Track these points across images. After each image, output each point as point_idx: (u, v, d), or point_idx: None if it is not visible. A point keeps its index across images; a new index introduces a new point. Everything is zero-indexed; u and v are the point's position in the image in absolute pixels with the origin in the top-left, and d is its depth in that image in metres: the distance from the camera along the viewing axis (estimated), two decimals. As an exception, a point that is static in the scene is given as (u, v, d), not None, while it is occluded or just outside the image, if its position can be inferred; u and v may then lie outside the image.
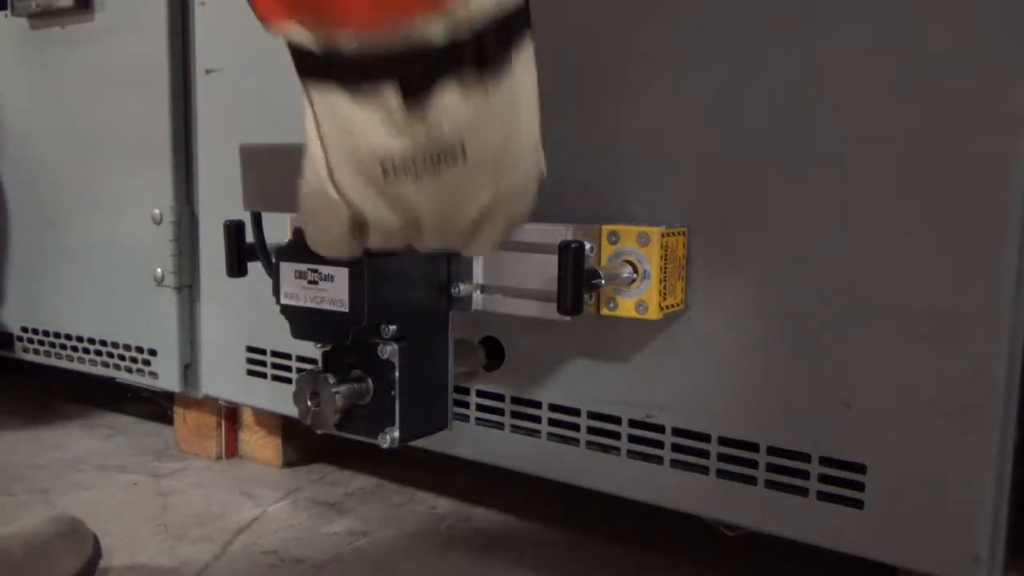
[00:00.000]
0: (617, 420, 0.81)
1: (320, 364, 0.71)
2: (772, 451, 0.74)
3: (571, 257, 0.66)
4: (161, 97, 1.12)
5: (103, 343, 1.23)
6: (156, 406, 1.34)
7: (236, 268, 0.75)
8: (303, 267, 0.66)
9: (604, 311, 0.73)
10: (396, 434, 0.68)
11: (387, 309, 0.67)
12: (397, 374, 0.67)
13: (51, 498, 1.06)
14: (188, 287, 1.15)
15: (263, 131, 1.04)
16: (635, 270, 0.71)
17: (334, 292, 0.65)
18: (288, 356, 1.04)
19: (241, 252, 0.74)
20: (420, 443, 0.75)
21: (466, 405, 0.90)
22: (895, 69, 0.66)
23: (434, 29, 0.41)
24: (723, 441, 0.76)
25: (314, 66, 0.45)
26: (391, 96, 0.44)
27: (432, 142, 0.45)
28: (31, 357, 1.33)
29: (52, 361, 1.30)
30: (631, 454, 0.81)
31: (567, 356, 0.83)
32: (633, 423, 0.80)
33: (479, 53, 0.43)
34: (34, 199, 1.30)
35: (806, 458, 0.72)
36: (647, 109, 0.77)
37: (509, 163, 0.48)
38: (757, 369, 0.74)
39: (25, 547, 0.78)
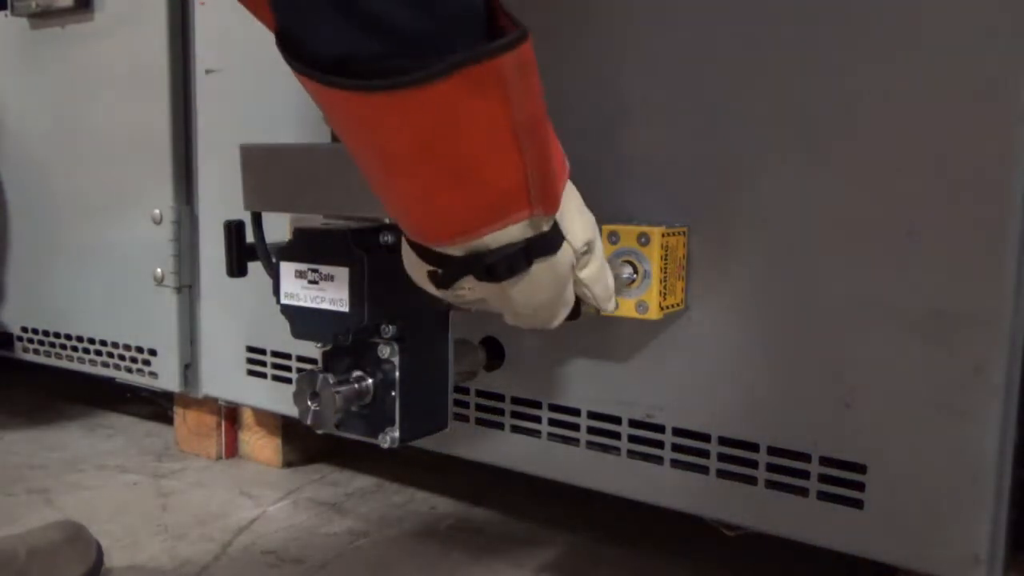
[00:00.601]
0: (617, 420, 0.81)
1: (320, 364, 0.71)
2: (772, 451, 0.74)
3: None
4: (161, 97, 1.12)
5: (103, 343, 1.23)
6: (156, 406, 1.34)
7: (236, 268, 0.75)
8: (303, 267, 0.66)
9: (605, 312, 0.73)
10: (396, 434, 0.68)
11: (387, 309, 0.67)
12: (397, 374, 0.67)
13: (51, 498, 1.06)
14: (188, 287, 1.15)
15: (263, 131, 1.04)
16: (635, 270, 0.71)
17: (334, 292, 0.65)
18: (288, 356, 1.04)
19: (241, 252, 0.74)
20: (420, 443, 0.75)
21: (466, 405, 0.90)
22: (895, 69, 0.66)
23: (454, 250, 0.55)
24: (723, 441, 0.76)
25: None
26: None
27: (459, 299, 0.60)
28: (31, 357, 1.33)
29: (52, 361, 1.30)
30: (631, 454, 0.81)
31: (567, 356, 0.83)
32: (633, 423, 0.80)
33: (490, 269, 0.56)
34: (34, 199, 1.30)
35: (806, 458, 0.72)
36: (647, 109, 0.77)
37: (538, 313, 0.62)
38: (757, 369, 0.74)
39: (29, 552, 0.78)
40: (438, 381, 0.73)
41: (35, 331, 1.32)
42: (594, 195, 0.80)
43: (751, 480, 0.75)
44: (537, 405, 0.86)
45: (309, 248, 0.66)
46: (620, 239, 0.72)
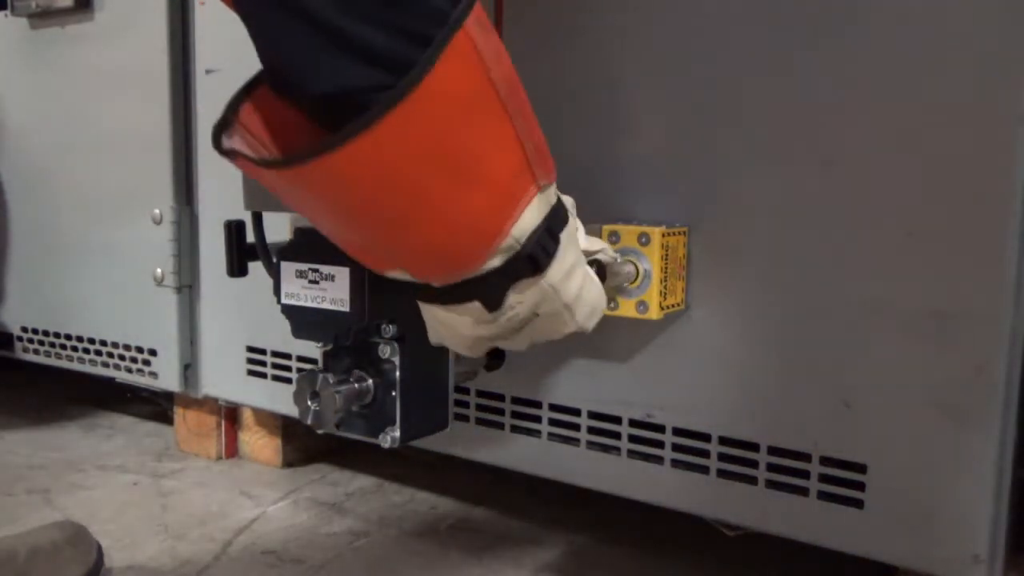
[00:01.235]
0: (617, 420, 0.81)
1: (320, 364, 0.71)
2: (772, 451, 0.74)
3: None
4: (161, 97, 1.12)
5: (103, 343, 1.23)
6: (156, 406, 1.34)
7: (236, 268, 0.75)
8: (304, 267, 0.66)
9: (605, 311, 0.73)
10: (396, 434, 0.68)
11: (388, 309, 0.67)
12: (398, 374, 0.67)
13: (51, 498, 1.06)
14: (188, 287, 1.15)
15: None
16: (636, 270, 0.71)
17: (335, 292, 0.65)
18: (288, 356, 1.04)
19: (241, 252, 0.74)
20: (420, 443, 0.75)
21: (466, 405, 0.90)
22: (895, 69, 0.66)
23: (493, 262, 0.54)
24: (723, 441, 0.76)
25: (415, 289, 0.59)
26: (477, 306, 0.57)
27: (511, 322, 0.59)
28: (31, 357, 1.33)
29: (52, 361, 1.30)
30: (631, 454, 0.81)
31: (567, 356, 0.83)
32: (633, 423, 0.80)
33: (531, 258, 0.55)
34: (34, 199, 1.30)
35: (806, 458, 0.72)
36: (648, 109, 0.77)
37: (586, 295, 0.62)
38: (757, 369, 0.74)
39: (29, 552, 0.78)
40: (438, 381, 0.73)
41: (35, 331, 1.32)
42: (595, 195, 0.80)
43: (751, 480, 0.75)
44: (537, 405, 0.86)
45: (310, 248, 0.66)
46: (621, 239, 0.72)
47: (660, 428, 0.79)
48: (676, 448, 0.78)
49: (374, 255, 0.57)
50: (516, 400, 0.87)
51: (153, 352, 1.18)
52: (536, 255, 0.55)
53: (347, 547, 0.94)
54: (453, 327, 0.61)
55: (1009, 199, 0.63)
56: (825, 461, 0.72)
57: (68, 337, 1.27)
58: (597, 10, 0.79)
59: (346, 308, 0.64)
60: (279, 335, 1.04)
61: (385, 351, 0.67)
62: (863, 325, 0.69)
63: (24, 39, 1.28)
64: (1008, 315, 0.64)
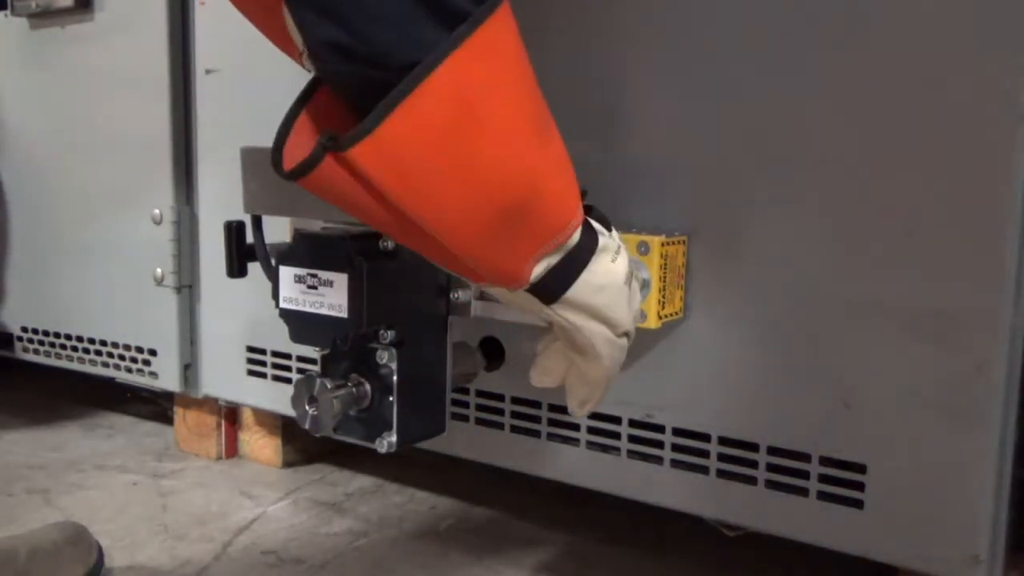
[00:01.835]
0: (617, 420, 0.81)
1: (319, 367, 0.72)
2: (772, 451, 0.74)
3: None
4: (161, 97, 1.12)
5: (103, 343, 1.23)
6: (156, 406, 1.34)
7: (236, 269, 0.75)
8: (302, 272, 0.66)
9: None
10: (393, 439, 0.68)
11: (386, 315, 0.67)
12: (395, 379, 0.67)
13: (51, 498, 1.06)
14: (188, 287, 1.15)
15: (263, 131, 1.03)
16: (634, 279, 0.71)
17: (333, 298, 0.65)
18: (288, 356, 1.04)
19: (241, 252, 0.74)
20: (420, 443, 0.75)
21: (466, 405, 0.90)
22: (895, 69, 0.66)
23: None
24: (723, 441, 0.76)
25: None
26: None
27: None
28: (31, 357, 1.33)
29: (52, 361, 1.30)
30: (631, 454, 0.81)
31: (567, 356, 0.83)
32: (633, 423, 0.80)
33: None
34: (34, 199, 1.30)
35: (806, 458, 0.72)
36: (647, 118, 0.77)
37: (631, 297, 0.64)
38: (757, 369, 0.74)
39: (30, 552, 0.78)
40: (436, 386, 0.73)
41: (35, 331, 1.32)
42: (594, 204, 0.80)
43: (751, 480, 0.75)
44: (537, 405, 0.86)
45: (308, 253, 0.66)
46: (620, 247, 0.71)
47: (660, 428, 0.79)
48: (676, 448, 0.78)
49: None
50: (516, 400, 0.87)
51: (153, 352, 1.18)
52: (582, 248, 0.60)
53: (347, 547, 0.94)
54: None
55: (1009, 199, 0.63)
56: (825, 461, 0.72)
57: (68, 337, 1.27)
58: (598, 13, 0.79)
59: (344, 314, 0.64)
60: (279, 335, 1.03)
61: (383, 356, 0.67)
62: (863, 325, 0.69)
63: (24, 39, 1.27)
64: (1008, 315, 0.64)
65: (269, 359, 1.07)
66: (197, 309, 1.15)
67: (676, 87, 0.76)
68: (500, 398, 0.88)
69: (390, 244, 0.66)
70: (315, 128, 0.56)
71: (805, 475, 0.72)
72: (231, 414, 1.19)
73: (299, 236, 0.68)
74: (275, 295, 0.69)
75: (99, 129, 1.20)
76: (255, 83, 1.04)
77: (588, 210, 0.61)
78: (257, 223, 0.72)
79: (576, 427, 0.84)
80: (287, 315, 0.68)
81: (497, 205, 0.53)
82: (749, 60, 0.72)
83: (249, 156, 0.70)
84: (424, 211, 0.51)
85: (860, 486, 0.70)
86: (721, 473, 0.76)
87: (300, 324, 0.67)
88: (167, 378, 1.17)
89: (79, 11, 1.19)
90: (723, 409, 0.76)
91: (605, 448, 0.82)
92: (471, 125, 0.50)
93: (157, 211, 1.14)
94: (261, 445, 1.18)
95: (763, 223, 0.73)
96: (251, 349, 1.08)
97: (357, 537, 0.96)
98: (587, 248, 0.59)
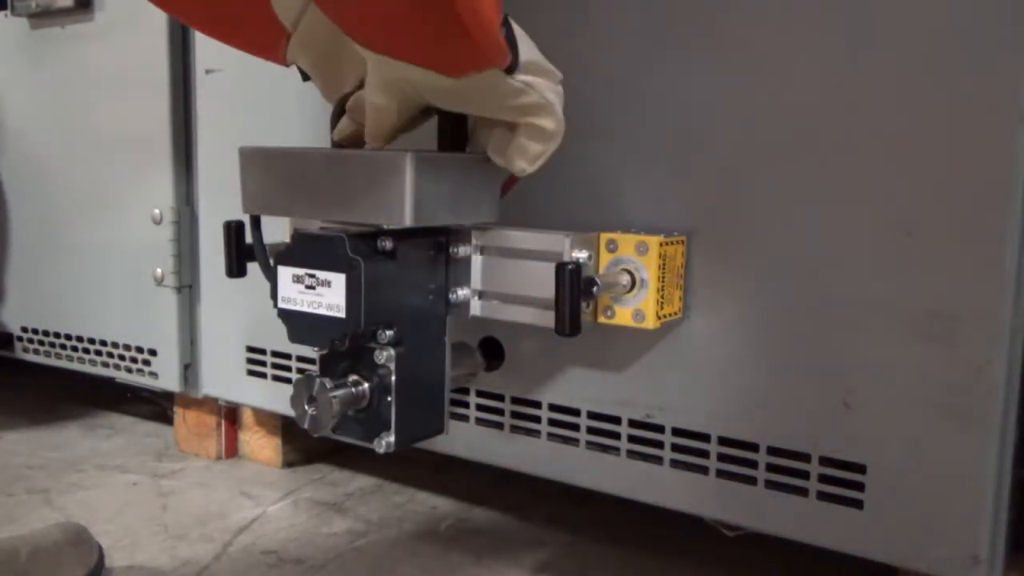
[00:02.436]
0: (617, 420, 0.81)
1: (318, 368, 0.71)
2: (772, 451, 0.74)
3: (568, 278, 0.65)
4: (161, 97, 1.12)
5: (103, 343, 1.23)
6: (156, 406, 1.34)
7: (236, 269, 0.75)
8: (301, 272, 0.66)
9: (601, 319, 0.72)
10: (392, 439, 0.68)
11: (384, 315, 0.67)
12: (394, 379, 0.67)
13: (51, 498, 1.06)
14: (188, 287, 1.15)
15: (263, 131, 1.04)
16: (633, 279, 0.71)
17: (331, 297, 0.65)
18: (288, 356, 1.04)
19: (241, 252, 0.74)
20: (420, 444, 0.75)
21: (466, 405, 0.90)
22: (895, 69, 0.66)
23: None
24: (723, 441, 0.76)
25: None
26: None
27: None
28: (31, 357, 1.33)
29: (52, 361, 1.30)
30: (631, 454, 0.81)
31: (567, 357, 0.83)
32: (633, 423, 0.80)
33: None
34: (34, 199, 1.30)
35: (806, 458, 0.72)
36: (646, 117, 0.77)
37: None
38: (757, 369, 0.74)
39: (30, 552, 0.78)
40: (435, 386, 0.73)
41: (35, 331, 1.32)
42: (593, 203, 0.80)
43: (751, 480, 0.75)
44: (537, 405, 0.86)
45: (306, 253, 0.66)
46: (619, 247, 0.71)
47: (660, 428, 0.79)
48: (675, 448, 0.78)
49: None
50: (516, 400, 0.87)
51: (153, 352, 1.18)
52: None
53: (347, 547, 0.94)
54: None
55: (1009, 199, 0.63)
56: (824, 461, 0.71)
57: (68, 337, 1.27)
58: (596, 12, 0.79)
59: (342, 314, 0.64)
60: (279, 335, 1.03)
61: (381, 356, 0.67)
62: (863, 325, 0.69)
63: (24, 39, 1.27)
64: (1008, 315, 0.64)
65: (269, 359, 1.07)
66: (197, 309, 1.15)
67: (676, 87, 0.76)
68: (500, 398, 0.88)
69: (388, 244, 0.66)
70: None
71: (805, 475, 0.72)
72: (231, 414, 1.20)
73: (297, 236, 0.68)
74: (273, 295, 0.69)
75: (99, 129, 1.20)
76: (255, 83, 1.04)
77: None
78: (256, 223, 0.72)
79: (576, 427, 0.84)
80: (285, 315, 0.68)
81: None
82: (749, 60, 0.72)
83: (249, 156, 0.70)
84: None
85: (860, 486, 0.70)
86: (721, 473, 0.76)
87: (298, 324, 0.68)
88: (167, 378, 1.17)
89: (79, 11, 1.19)
90: (723, 409, 0.76)
91: (605, 448, 0.82)
92: None
93: (157, 211, 1.14)
94: (261, 445, 1.18)
95: (763, 223, 0.72)
96: (251, 349, 1.08)
97: (357, 537, 0.96)
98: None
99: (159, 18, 1.11)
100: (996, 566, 0.67)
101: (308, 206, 0.68)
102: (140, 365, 1.19)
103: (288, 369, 1.05)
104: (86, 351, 1.25)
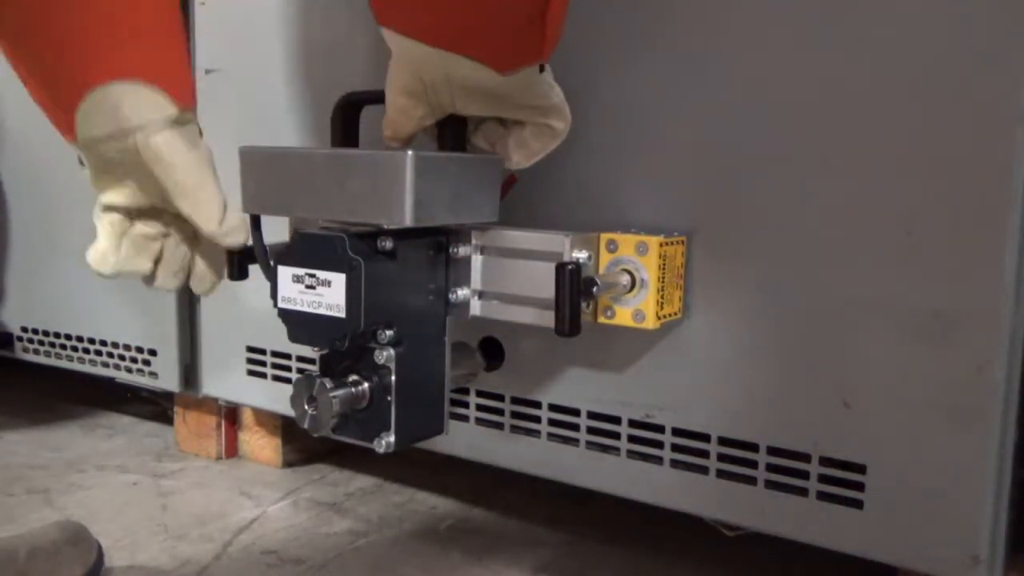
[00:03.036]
0: (617, 420, 0.81)
1: (318, 368, 0.71)
2: (772, 451, 0.74)
3: (568, 278, 0.65)
4: (160, 97, 1.12)
5: (103, 343, 1.23)
6: (156, 406, 1.34)
7: (236, 272, 0.75)
8: (301, 272, 0.66)
9: (601, 319, 0.72)
10: (391, 439, 0.68)
11: (384, 315, 0.67)
12: (393, 379, 0.67)
13: (51, 498, 1.06)
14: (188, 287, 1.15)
15: (263, 131, 1.04)
16: (633, 279, 0.71)
17: (331, 297, 0.65)
18: (288, 356, 1.04)
19: (242, 256, 0.74)
20: (420, 444, 0.75)
21: (466, 405, 0.90)
22: (895, 69, 0.66)
23: None
24: (723, 441, 0.76)
25: None
26: None
27: None
28: (31, 357, 1.33)
29: (52, 361, 1.30)
30: (631, 454, 0.81)
31: (567, 357, 0.83)
32: (633, 423, 0.80)
33: None
34: (35, 199, 1.30)
35: (806, 458, 0.72)
36: (646, 117, 0.77)
37: None
38: (757, 369, 0.74)
39: (30, 552, 0.78)
40: (435, 386, 0.73)
41: (35, 331, 1.32)
42: (593, 203, 0.80)
43: (751, 480, 0.75)
44: (537, 405, 0.86)
45: (307, 253, 0.66)
46: (618, 247, 0.71)
47: (659, 428, 0.79)
48: (675, 448, 0.78)
49: None
50: (516, 400, 0.87)
51: (153, 352, 1.18)
52: None
53: (347, 547, 0.94)
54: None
55: (1009, 199, 0.63)
56: (824, 461, 0.71)
57: (68, 337, 1.27)
58: (594, 10, 0.79)
59: (342, 314, 0.64)
60: (279, 335, 1.03)
61: (381, 356, 0.67)
62: (863, 325, 0.69)
63: (24, 39, 1.27)
64: (1008, 315, 0.64)
65: (269, 359, 1.06)
66: (197, 309, 1.15)
67: (676, 87, 0.76)
68: (500, 398, 0.88)
69: (388, 244, 0.66)
70: None
71: (805, 475, 0.72)
72: (231, 414, 1.19)
73: (297, 236, 0.68)
74: (273, 295, 0.69)
75: (99, 129, 1.20)
76: (255, 83, 1.04)
77: None
78: (256, 223, 0.72)
79: (576, 427, 0.84)
80: (285, 315, 0.68)
81: None
82: (749, 60, 0.72)
83: (248, 156, 0.70)
84: None
85: (860, 486, 0.70)
86: (721, 473, 0.76)
87: (298, 324, 0.67)
88: (167, 378, 1.17)
89: (79, 11, 1.19)
90: (723, 409, 0.76)
91: (605, 448, 0.82)
92: None
93: (157, 211, 1.13)
94: (261, 445, 1.18)
95: (763, 223, 0.72)
96: (251, 349, 1.08)
97: (357, 537, 0.96)
98: None
99: (159, 18, 1.11)
100: (996, 566, 0.67)
101: (308, 206, 0.68)
102: (140, 365, 1.19)
103: (288, 369, 1.05)
104: (86, 351, 1.25)
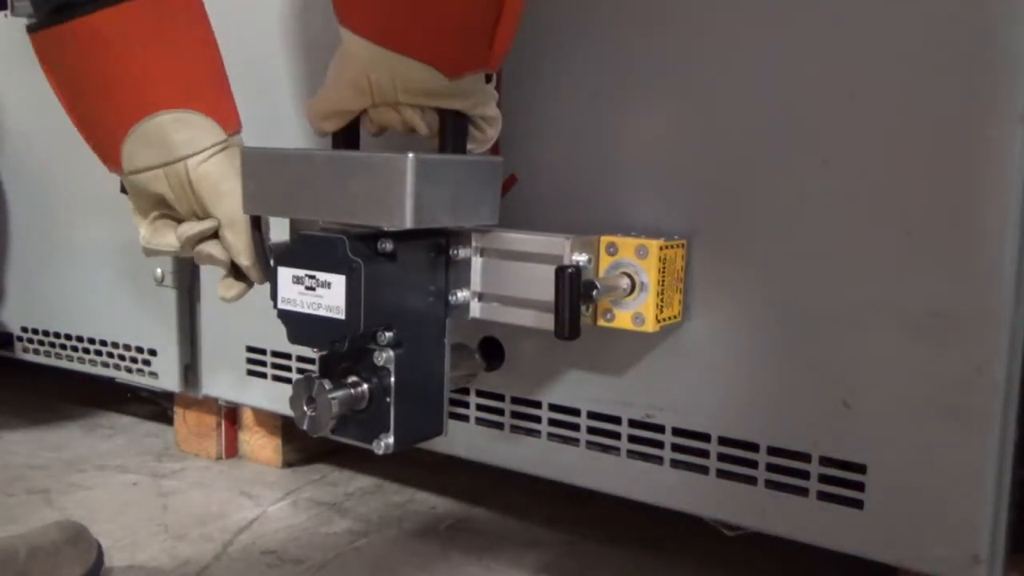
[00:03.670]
0: (617, 420, 0.81)
1: (317, 369, 0.71)
2: (772, 451, 0.74)
3: (568, 282, 0.65)
4: (160, 97, 1.12)
5: (103, 343, 1.23)
6: (156, 406, 1.34)
7: (238, 275, 0.75)
8: (301, 273, 0.66)
9: (601, 322, 0.72)
10: (391, 440, 0.68)
11: (384, 316, 0.67)
12: (393, 380, 0.67)
13: (51, 498, 1.06)
14: (188, 287, 1.15)
15: (263, 131, 1.03)
16: (632, 282, 0.71)
17: (331, 299, 0.65)
18: (288, 356, 1.04)
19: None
20: (420, 443, 0.75)
21: (466, 405, 0.90)
22: (895, 69, 0.66)
23: None
24: (723, 441, 0.76)
25: None
26: None
27: None
28: (31, 357, 1.33)
29: (52, 361, 1.30)
30: (631, 454, 0.81)
31: (567, 358, 0.83)
32: (633, 423, 0.80)
33: None
34: (34, 199, 1.30)
35: (806, 458, 0.72)
36: (646, 119, 0.77)
37: None
38: (757, 369, 0.74)
39: (29, 552, 0.78)
40: (434, 388, 0.73)
41: (35, 331, 1.32)
42: (593, 206, 0.80)
43: (751, 480, 0.75)
44: (537, 405, 0.86)
45: (307, 254, 0.66)
46: (618, 251, 0.71)
47: (660, 428, 0.79)
48: (676, 448, 0.78)
49: None
50: (516, 400, 0.87)
51: (153, 352, 1.18)
52: None
53: (347, 547, 0.94)
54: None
55: (1009, 199, 0.63)
56: (825, 461, 0.72)
57: (68, 337, 1.27)
58: (593, 13, 0.79)
59: (342, 315, 0.64)
60: (279, 335, 1.03)
61: (381, 358, 0.67)
62: (863, 325, 0.69)
63: (24, 39, 1.27)
64: (1008, 315, 0.64)
65: (269, 359, 1.06)
66: (197, 309, 1.15)
67: (676, 88, 0.76)
68: (500, 398, 0.88)
69: (388, 246, 0.66)
70: None
71: (805, 475, 0.72)
72: (231, 414, 1.19)
73: (298, 237, 0.68)
74: (273, 296, 0.69)
75: (99, 129, 1.20)
76: (255, 84, 1.03)
77: None
78: (256, 224, 0.72)
79: (576, 427, 0.84)
80: (285, 316, 0.68)
81: None
82: (749, 61, 0.72)
83: (250, 157, 0.70)
84: None
85: (860, 486, 0.70)
86: (721, 473, 0.76)
87: (298, 325, 0.67)
88: (167, 378, 1.17)
89: (78, 11, 1.19)
90: (723, 409, 0.76)
91: (605, 448, 0.82)
92: None
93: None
94: (261, 445, 1.18)
95: (763, 224, 0.72)
96: (251, 349, 1.08)
97: (357, 537, 0.96)
98: None
99: (158, 18, 1.11)
100: (996, 566, 0.67)
101: (308, 207, 0.68)
102: (140, 365, 1.19)
103: (288, 369, 1.05)
104: (86, 351, 1.25)
